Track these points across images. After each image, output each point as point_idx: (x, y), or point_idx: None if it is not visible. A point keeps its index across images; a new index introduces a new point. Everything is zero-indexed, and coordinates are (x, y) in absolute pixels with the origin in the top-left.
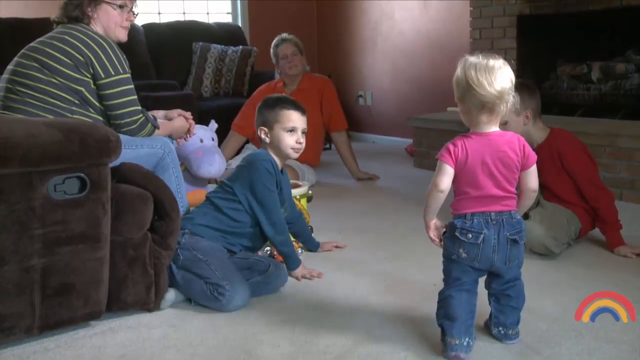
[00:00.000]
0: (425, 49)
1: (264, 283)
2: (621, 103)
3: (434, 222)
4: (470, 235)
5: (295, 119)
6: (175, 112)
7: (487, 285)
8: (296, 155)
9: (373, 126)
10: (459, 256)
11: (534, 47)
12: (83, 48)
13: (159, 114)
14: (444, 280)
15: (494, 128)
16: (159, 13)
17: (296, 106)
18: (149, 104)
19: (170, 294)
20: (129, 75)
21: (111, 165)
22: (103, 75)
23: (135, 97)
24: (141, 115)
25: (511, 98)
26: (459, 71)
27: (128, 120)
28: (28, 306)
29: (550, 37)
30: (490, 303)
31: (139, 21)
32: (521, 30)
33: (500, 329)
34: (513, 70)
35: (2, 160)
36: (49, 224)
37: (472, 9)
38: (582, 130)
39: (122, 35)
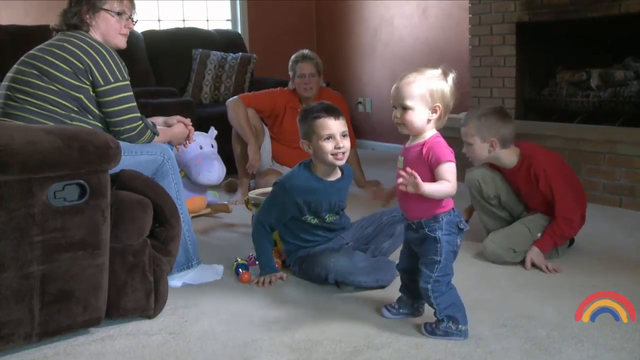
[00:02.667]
0: (425, 55)
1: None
2: (620, 110)
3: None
4: (462, 225)
5: (331, 125)
6: (174, 119)
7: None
8: (340, 162)
9: (372, 133)
10: (458, 246)
11: (533, 54)
12: (82, 55)
13: (158, 120)
14: (442, 277)
15: None
16: (159, 20)
17: (328, 112)
18: (148, 110)
19: None
20: (128, 82)
21: (111, 172)
22: (102, 83)
23: (135, 104)
24: (140, 122)
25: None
26: (450, 82)
27: (127, 127)
28: (27, 313)
29: (550, 44)
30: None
31: (139, 28)
32: (520, 37)
33: (420, 302)
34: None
35: (1, 166)
36: (48, 230)
37: (471, 15)
38: (581, 137)
39: (121, 43)
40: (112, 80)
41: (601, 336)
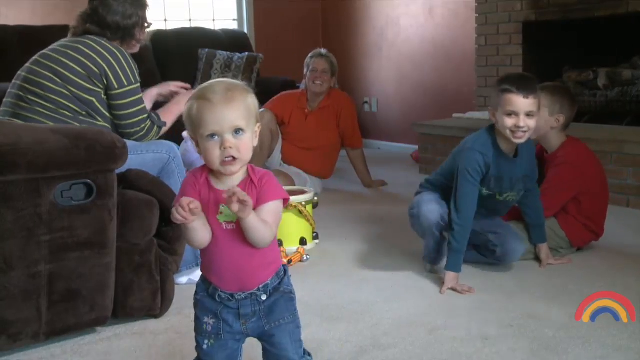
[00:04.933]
0: (431, 55)
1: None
2: (627, 109)
3: None
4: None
5: (516, 102)
6: (168, 87)
7: None
8: (518, 139)
9: (378, 132)
10: None
11: (540, 54)
12: (98, 59)
13: (153, 93)
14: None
15: None
16: (165, 20)
17: (520, 88)
18: (154, 110)
19: None
20: (139, 84)
21: (117, 171)
22: (117, 86)
23: (144, 105)
24: (148, 121)
25: None
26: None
27: (137, 128)
28: (35, 312)
29: (556, 43)
30: None
31: None
32: (527, 36)
33: None
34: None
35: (9, 166)
36: (55, 230)
37: (477, 15)
38: (588, 137)
39: (136, 49)
40: (126, 84)
41: (608, 336)
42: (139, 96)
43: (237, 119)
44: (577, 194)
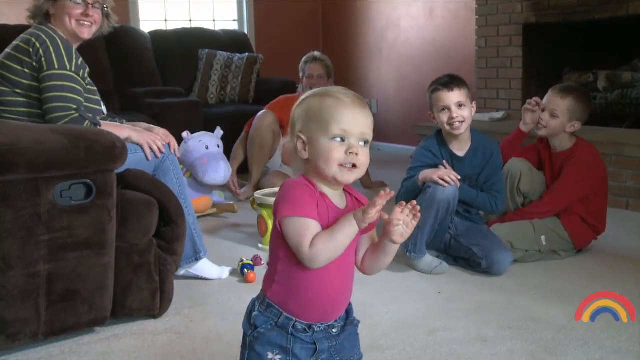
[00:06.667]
0: (431, 56)
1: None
2: (627, 112)
3: None
4: None
5: (444, 97)
6: (156, 129)
7: None
8: (456, 130)
9: (378, 133)
10: None
11: (540, 56)
12: (32, 39)
13: (143, 126)
14: None
15: None
16: (166, 20)
17: (444, 84)
18: (155, 110)
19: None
20: (74, 75)
21: (116, 171)
22: (45, 68)
23: (76, 96)
24: (74, 112)
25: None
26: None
27: (59, 114)
28: (33, 312)
29: (556, 45)
30: None
31: (146, 28)
32: (527, 38)
33: None
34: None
35: (9, 166)
36: (54, 229)
37: (477, 17)
38: (588, 139)
39: (82, 32)
40: (57, 67)
41: (607, 338)
42: (70, 84)
43: (368, 127)
44: (589, 193)
